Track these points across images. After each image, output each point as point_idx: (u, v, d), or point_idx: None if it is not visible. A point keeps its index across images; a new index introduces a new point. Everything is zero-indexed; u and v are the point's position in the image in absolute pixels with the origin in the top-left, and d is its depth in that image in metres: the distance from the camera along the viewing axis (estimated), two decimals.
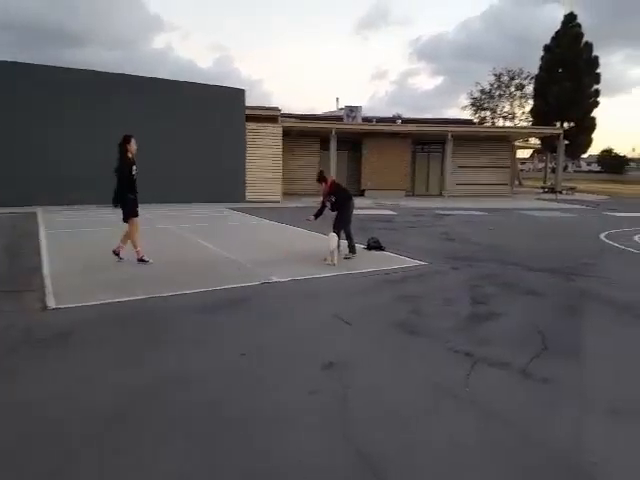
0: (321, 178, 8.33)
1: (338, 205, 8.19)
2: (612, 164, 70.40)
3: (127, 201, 7.22)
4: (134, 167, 7.21)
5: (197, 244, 9.34)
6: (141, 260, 7.29)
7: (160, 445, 2.75)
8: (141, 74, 18.13)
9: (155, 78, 18.27)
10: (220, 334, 4.56)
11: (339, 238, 7.82)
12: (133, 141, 7.28)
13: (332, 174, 22.57)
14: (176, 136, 17.88)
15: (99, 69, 17.32)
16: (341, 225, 8.14)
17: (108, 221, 12.09)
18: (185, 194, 17.55)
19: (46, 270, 6.78)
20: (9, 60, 15.92)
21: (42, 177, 15.59)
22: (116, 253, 7.41)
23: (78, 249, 8.59)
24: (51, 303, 5.24)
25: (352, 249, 8.18)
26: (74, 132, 16.32)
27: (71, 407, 3.15)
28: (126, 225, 7.43)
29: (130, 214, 7.29)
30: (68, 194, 15.41)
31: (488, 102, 49.17)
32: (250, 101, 19.83)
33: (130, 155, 7.21)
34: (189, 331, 4.63)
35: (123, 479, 2.48)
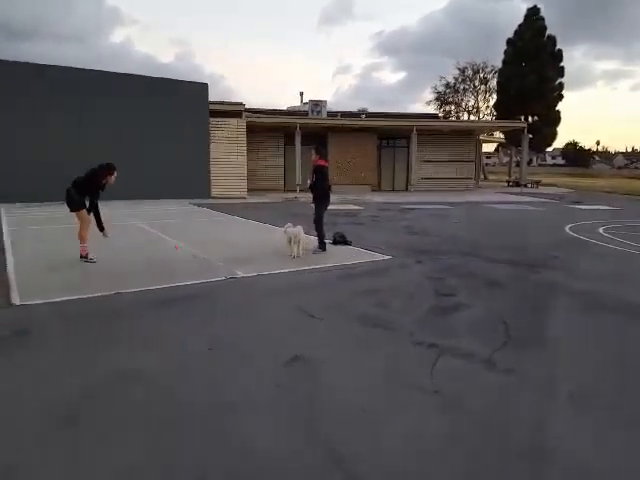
0: (317, 150, 8.23)
1: (315, 193, 8.08)
2: (576, 157, 72.63)
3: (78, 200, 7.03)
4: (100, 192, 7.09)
5: (161, 240, 9.09)
6: (85, 257, 7.03)
7: (114, 441, 2.65)
8: (99, 69, 17.52)
9: (115, 73, 17.67)
10: (184, 329, 4.45)
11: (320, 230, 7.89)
12: (115, 174, 7.17)
13: (297, 170, 22.49)
14: (139, 131, 17.43)
15: (50, 64, 16.62)
16: (317, 219, 8.07)
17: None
18: (150, 190, 17.09)
19: (10, 267, 6.62)
20: None
21: (5, 173, 14.91)
22: (83, 256, 7.06)
23: (42, 246, 8.31)
24: (15, 300, 5.15)
25: (322, 245, 8.08)
26: (36, 129, 15.68)
27: (24, 404, 3.06)
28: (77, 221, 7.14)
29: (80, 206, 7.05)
30: (31, 191, 14.75)
31: (453, 96, 49.97)
32: (213, 97, 19.53)
33: (105, 183, 7.06)
34: (152, 327, 4.52)
35: (76, 475, 2.33)
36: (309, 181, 8.20)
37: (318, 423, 2.91)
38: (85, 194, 7.06)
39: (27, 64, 16.10)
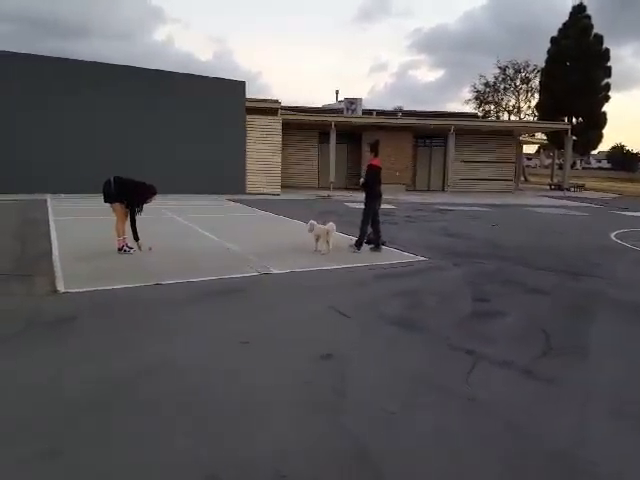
0: (372, 148, 8.12)
1: (366, 192, 8.07)
2: (623, 161, 69.53)
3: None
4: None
5: (198, 234, 9.25)
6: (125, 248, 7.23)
7: (151, 429, 2.69)
8: (143, 66, 17.98)
9: (158, 70, 18.10)
10: (218, 322, 4.52)
11: (364, 230, 7.92)
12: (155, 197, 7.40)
13: (331, 167, 22.47)
14: (178, 128, 17.78)
15: (101, 60, 17.17)
16: (365, 219, 8.04)
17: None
18: (186, 185, 17.40)
19: (56, 255, 6.83)
20: (16, 52, 15.80)
21: (52, 164, 15.52)
22: (120, 249, 7.22)
23: (85, 236, 8.56)
24: (60, 287, 5.32)
25: (359, 245, 8.06)
26: (83, 123, 16.24)
27: (62, 389, 3.13)
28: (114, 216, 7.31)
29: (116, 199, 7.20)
30: (79, 182, 15.28)
31: (492, 95, 48.88)
32: (249, 94, 19.69)
33: (146, 202, 7.30)
34: (186, 319, 4.59)
35: (110, 458, 2.41)
36: (361, 179, 8.20)
37: (347, 422, 2.89)
38: (125, 198, 7.16)
39: (74, 61, 16.67)
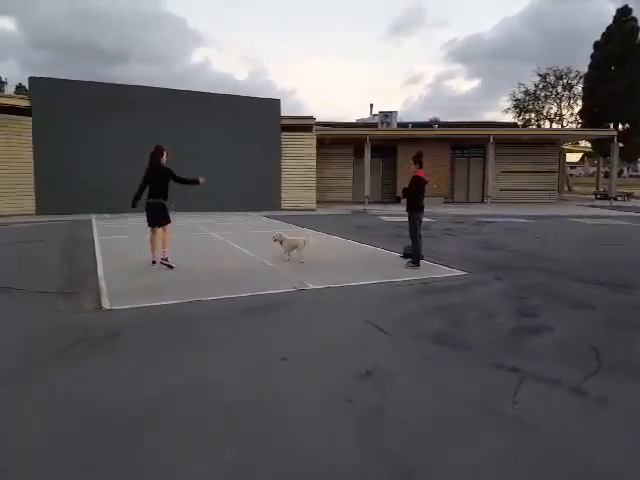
0: (416, 160, 8.13)
1: (409, 203, 8.04)
2: None
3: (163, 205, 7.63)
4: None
5: (235, 251, 9.39)
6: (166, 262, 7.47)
7: (194, 445, 2.72)
8: (181, 87, 18.66)
9: (194, 91, 18.72)
10: (257, 337, 4.56)
11: (415, 245, 7.87)
12: (165, 153, 7.85)
13: (366, 182, 22.42)
14: (214, 146, 18.23)
15: (142, 84, 17.93)
16: (412, 231, 7.97)
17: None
18: (223, 202, 17.75)
19: (101, 273, 7.08)
20: (62, 78, 16.73)
21: (96, 185, 16.17)
22: (164, 259, 7.44)
23: (130, 254, 8.82)
24: (105, 304, 5.49)
25: (417, 261, 7.91)
26: (121, 145, 16.90)
27: (108, 405, 3.24)
28: (162, 232, 7.61)
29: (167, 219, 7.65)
30: (121, 202, 15.85)
31: (532, 104, 47.71)
32: (284, 111, 20.08)
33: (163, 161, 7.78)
34: (225, 335, 4.65)
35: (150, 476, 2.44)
36: (403, 188, 8.22)
37: (389, 441, 2.83)
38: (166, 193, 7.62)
39: (109, 85, 17.49)
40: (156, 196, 7.48)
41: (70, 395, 3.38)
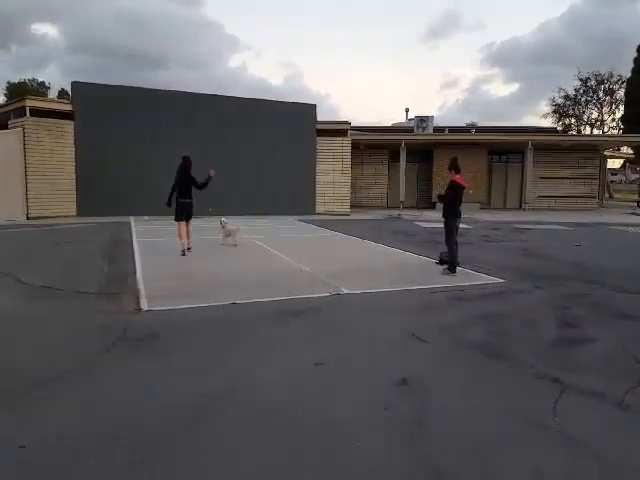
0: (451, 165, 8.05)
1: (445, 209, 7.99)
2: None
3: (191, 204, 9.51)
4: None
5: (270, 254, 9.49)
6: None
7: (231, 446, 2.79)
8: (219, 93, 19.01)
9: (231, 96, 19.07)
10: (292, 343, 4.58)
11: (451, 251, 7.87)
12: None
13: (401, 187, 22.27)
14: (250, 151, 18.50)
15: (181, 89, 18.40)
16: (448, 239, 7.92)
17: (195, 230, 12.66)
18: (257, 207, 17.99)
19: (139, 275, 7.27)
20: (103, 83, 17.32)
21: (135, 188, 16.64)
22: (187, 249, 9.18)
23: (167, 256, 9.04)
24: (144, 305, 5.64)
25: (453, 268, 7.82)
26: (160, 149, 17.34)
27: (151, 404, 3.33)
28: (189, 225, 9.43)
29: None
30: (159, 204, 16.28)
31: (573, 109, 46.40)
32: (319, 116, 20.17)
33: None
34: (262, 338, 4.71)
35: (198, 476, 2.51)
36: (437, 192, 8.13)
37: (427, 450, 2.81)
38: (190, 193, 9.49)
39: (148, 89, 17.97)
40: (186, 197, 9.46)
41: (115, 394, 3.50)
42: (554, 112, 46.71)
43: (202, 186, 9.53)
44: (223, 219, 10.36)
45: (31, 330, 4.91)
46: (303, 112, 19.63)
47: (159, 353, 4.28)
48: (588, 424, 3.15)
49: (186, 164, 9.50)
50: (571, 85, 46.73)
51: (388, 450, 2.84)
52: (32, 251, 9.92)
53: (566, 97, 45.87)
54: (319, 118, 20.17)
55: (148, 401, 3.38)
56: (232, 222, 10.60)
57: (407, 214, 20.24)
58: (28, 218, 15.40)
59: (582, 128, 46.20)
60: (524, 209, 23.08)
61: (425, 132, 26.56)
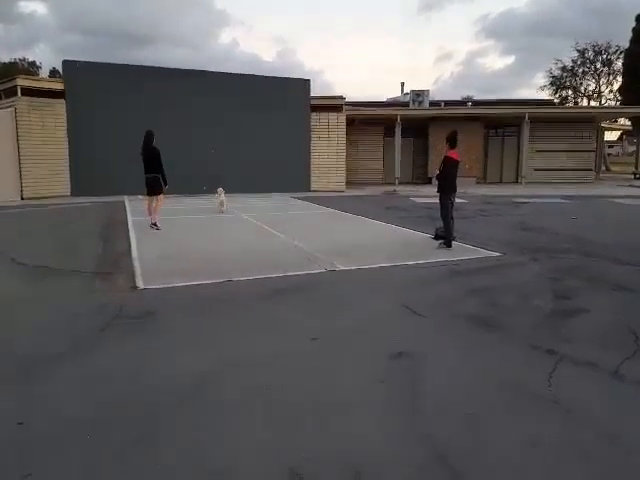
0: (449, 139, 7.89)
1: (440, 185, 7.92)
2: None
3: (155, 179, 9.52)
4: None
5: (265, 232, 9.45)
6: (154, 225, 9.39)
7: (229, 418, 2.85)
8: (210, 69, 18.65)
9: (223, 72, 18.71)
10: (288, 319, 4.58)
11: (446, 226, 7.80)
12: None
13: (397, 162, 22.10)
14: (243, 128, 18.25)
15: (171, 66, 18.03)
16: (443, 214, 7.87)
17: (187, 209, 12.60)
18: (252, 184, 17.83)
19: (134, 254, 7.24)
20: (94, 61, 16.95)
21: (129, 169, 16.32)
22: (154, 224, 9.35)
23: (162, 235, 9.02)
24: (140, 284, 5.64)
25: (449, 243, 7.80)
26: (153, 127, 17.01)
27: (150, 380, 3.36)
28: (156, 200, 9.59)
29: (159, 190, 9.57)
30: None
31: (570, 80, 45.87)
32: (313, 92, 19.81)
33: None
34: (258, 314, 4.71)
35: (199, 448, 2.53)
36: (437, 171, 8.02)
37: (422, 422, 2.83)
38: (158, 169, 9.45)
39: (140, 67, 17.65)
40: (148, 171, 9.51)
41: (113, 372, 3.49)
42: (551, 84, 46.19)
43: (158, 168, 9.51)
44: (220, 189, 11.08)
45: (28, 309, 4.90)
46: (297, 87, 19.28)
47: (155, 331, 4.28)
48: (583, 394, 3.16)
49: (147, 138, 9.54)
50: (568, 56, 46.00)
51: (383, 420, 2.85)
52: (27, 231, 9.84)
53: (563, 69, 45.31)
54: (313, 94, 19.86)
55: (145, 378, 3.39)
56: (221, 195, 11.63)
57: (403, 190, 20.14)
58: (22, 198, 15.29)
59: (579, 100, 45.78)
60: (521, 183, 23.02)
61: (421, 106, 26.25)
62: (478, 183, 23.26)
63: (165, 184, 9.60)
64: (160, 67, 17.96)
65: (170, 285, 5.59)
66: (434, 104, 27.14)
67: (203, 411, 2.94)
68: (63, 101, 16.26)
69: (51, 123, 16.10)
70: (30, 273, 6.28)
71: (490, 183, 23.95)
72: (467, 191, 18.91)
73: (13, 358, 3.71)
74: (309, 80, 19.63)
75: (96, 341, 4.01)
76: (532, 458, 2.51)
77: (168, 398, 3.10)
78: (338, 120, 19.82)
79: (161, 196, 9.69)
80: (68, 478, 2.35)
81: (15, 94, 15.49)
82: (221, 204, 10.66)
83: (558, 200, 16.14)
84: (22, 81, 15.89)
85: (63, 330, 4.32)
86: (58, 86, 16.53)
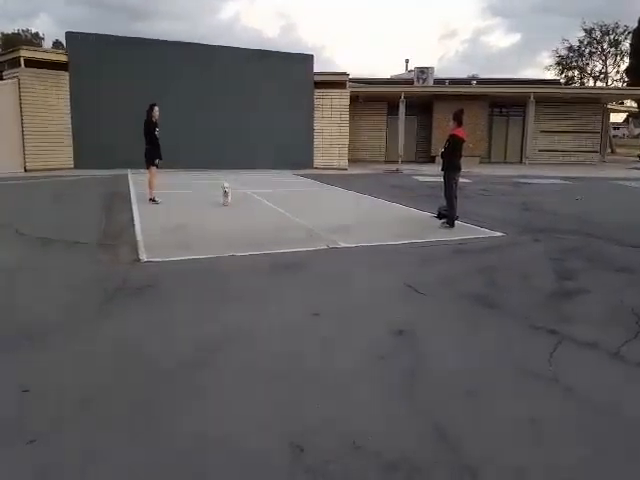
0: (455, 117, 7.78)
1: (444, 163, 7.81)
2: None
3: (147, 152, 9.36)
4: (157, 129, 9.39)
5: (268, 208, 9.42)
6: (152, 200, 9.34)
7: (231, 389, 2.89)
8: (210, 43, 18.32)
9: (226, 46, 18.37)
10: (289, 295, 4.59)
11: (450, 205, 7.72)
12: (156, 109, 9.42)
13: (400, 140, 21.88)
14: (245, 103, 17.97)
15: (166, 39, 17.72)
16: (447, 193, 7.81)
17: (190, 184, 12.54)
18: (254, 161, 17.69)
19: (137, 226, 7.26)
20: (96, 33, 16.63)
21: (132, 142, 16.17)
22: (151, 199, 9.34)
23: (165, 208, 9.02)
24: (143, 256, 5.65)
25: (452, 221, 7.75)
26: (155, 100, 16.79)
27: (152, 349, 3.42)
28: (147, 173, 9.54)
29: (149, 163, 9.40)
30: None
31: (576, 61, 45.11)
32: (315, 68, 19.40)
33: (154, 119, 9.39)
34: (260, 289, 4.72)
35: (199, 414, 2.61)
36: (442, 149, 7.92)
37: (421, 397, 2.85)
38: (149, 138, 9.30)
39: (143, 39, 17.40)
40: (146, 144, 9.40)
41: (117, 341, 3.52)
42: (557, 64, 45.47)
43: (151, 141, 9.39)
44: (226, 184, 9.59)
45: (31, 280, 4.92)
46: (300, 63, 18.94)
47: (158, 303, 4.29)
48: (584, 374, 3.17)
49: (147, 111, 9.44)
50: (575, 36, 45.22)
51: (382, 395, 2.87)
52: (30, 203, 9.83)
53: (570, 49, 44.51)
54: (316, 70, 19.52)
55: (148, 348, 3.41)
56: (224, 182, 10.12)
57: (406, 168, 20.00)
58: (26, 170, 15.25)
59: (585, 81, 45.11)
60: (525, 163, 22.84)
61: (425, 84, 25.85)
62: (482, 163, 23.06)
63: (155, 158, 9.34)
64: (164, 40, 17.68)
65: (173, 258, 5.60)
66: (438, 82, 26.71)
67: (203, 381, 2.97)
68: (66, 73, 16.06)
69: (54, 95, 15.94)
70: (34, 244, 6.28)
71: (494, 163, 23.77)
72: (471, 171, 18.75)
73: (16, 326, 3.73)
74: (312, 55, 19.31)
75: (98, 312, 4.02)
76: (529, 432, 2.53)
77: (169, 368, 3.12)
78: (342, 97, 19.52)
79: (151, 169, 9.45)
80: (70, 444, 2.37)
81: (19, 65, 15.32)
82: (225, 195, 9.41)
83: (562, 181, 16.04)
84: (25, 52, 15.74)
85: (66, 301, 4.33)
86: (61, 58, 16.31)
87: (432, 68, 27.08)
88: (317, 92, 19.19)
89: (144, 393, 2.84)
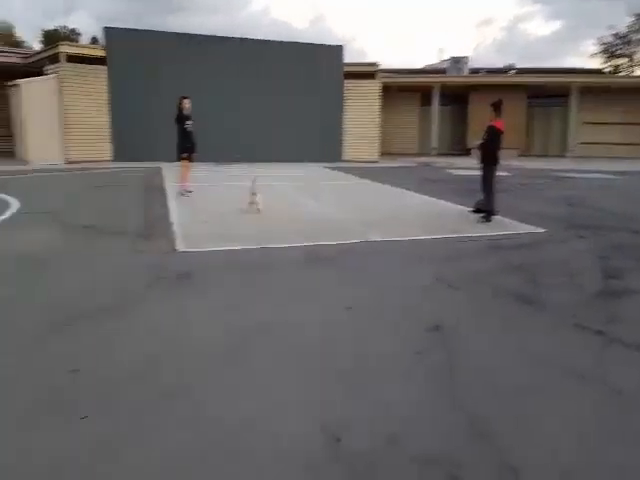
0: (495, 107, 7.53)
1: (483, 156, 7.57)
2: None
3: (177, 145, 9.38)
4: (188, 122, 9.37)
5: (299, 201, 9.39)
6: (186, 191, 9.42)
7: (266, 376, 2.92)
8: (241, 36, 18.32)
9: (258, 39, 18.32)
10: (321, 288, 4.55)
11: (488, 200, 7.46)
12: (186, 101, 9.44)
13: (434, 132, 21.41)
14: (275, 96, 17.92)
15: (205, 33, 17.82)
16: (485, 187, 7.57)
17: (224, 177, 12.67)
18: (284, 153, 17.65)
19: (174, 218, 7.41)
20: (133, 28, 16.95)
21: (168, 135, 16.44)
22: (186, 190, 9.41)
23: (200, 200, 9.15)
24: (180, 247, 5.76)
25: (489, 215, 7.53)
26: (192, 94, 16.96)
27: (192, 336, 3.49)
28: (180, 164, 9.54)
29: (180, 156, 9.44)
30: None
31: (623, 48, 43.00)
32: (346, 58, 19.17)
33: (184, 112, 9.38)
34: (293, 281, 4.73)
35: (234, 402, 2.64)
36: (479, 141, 7.70)
37: (459, 393, 2.75)
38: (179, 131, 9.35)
39: (179, 34, 17.50)
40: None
41: (158, 326, 3.61)
42: (602, 52, 43.44)
43: (182, 132, 9.42)
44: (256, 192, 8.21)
45: (76, 266, 5.12)
46: (330, 54, 18.72)
47: (195, 291, 4.35)
48: (633, 377, 2.99)
49: (178, 104, 9.46)
50: (622, 22, 43.03)
51: (419, 390, 2.80)
52: (73, 194, 10.16)
53: (616, 36, 42.40)
54: (346, 61, 19.25)
55: (186, 334, 3.50)
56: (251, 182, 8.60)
57: (439, 161, 19.60)
58: (67, 162, 15.77)
59: (634, 69, 42.99)
60: (567, 156, 22.01)
61: (460, 74, 25.20)
62: (521, 156, 22.35)
63: (185, 151, 9.35)
64: (198, 34, 17.79)
65: (208, 249, 5.69)
66: (474, 71, 25.98)
67: (237, 368, 3.00)
68: (105, 68, 16.45)
69: (93, 89, 16.38)
70: (78, 233, 6.55)
71: (534, 155, 23.02)
72: (510, 164, 18.20)
73: (62, 310, 3.85)
74: (342, 46, 19.05)
75: (140, 298, 4.14)
76: (575, 433, 2.41)
77: (207, 353, 3.20)
78: (372, 88, 19.21)
79: (184, 162, 9.47)
80: (118, 420, 2.48)
81: (59, 60, 15.82)
82: (252, 202, 7.94)
83: (607, 175, 15.35)
84: (65, 48, 16.22)
85: (108, 287, 4.48)
86: (100, 53, 16.77)
87: (467, 57, 26.41)
88: (347, 83, 18.96)
89: (184, 374, 2.94)
